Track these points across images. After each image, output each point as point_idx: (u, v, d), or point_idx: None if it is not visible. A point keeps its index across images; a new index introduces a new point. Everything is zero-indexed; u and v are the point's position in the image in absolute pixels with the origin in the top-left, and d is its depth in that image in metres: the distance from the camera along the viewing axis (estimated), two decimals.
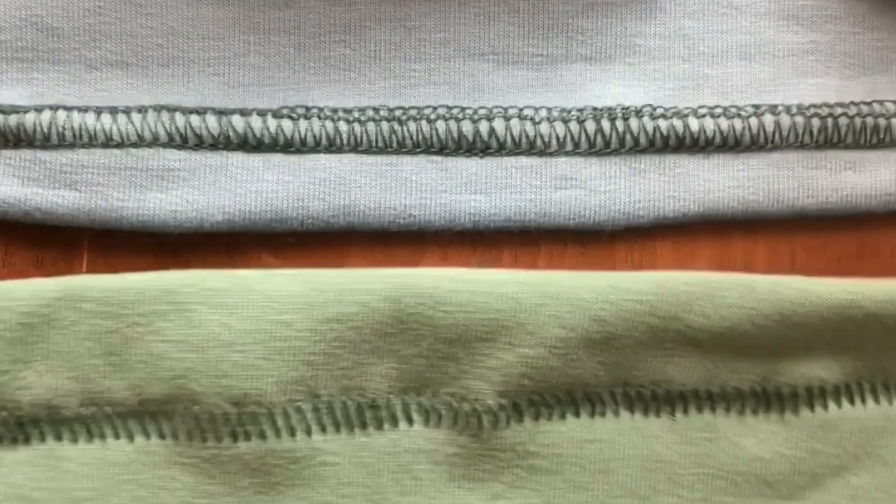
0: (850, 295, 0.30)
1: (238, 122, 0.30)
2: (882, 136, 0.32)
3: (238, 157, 0.31)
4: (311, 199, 0.31)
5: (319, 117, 0.31)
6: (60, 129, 0.30)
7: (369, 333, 0.29)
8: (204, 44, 0.31)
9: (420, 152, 0.31)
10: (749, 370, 0.30)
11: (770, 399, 0.30)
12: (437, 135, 0.31)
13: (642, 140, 0.31)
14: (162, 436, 0.28)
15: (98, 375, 0.28)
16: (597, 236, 0.32)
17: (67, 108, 0.30)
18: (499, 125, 0.31)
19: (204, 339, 0.28)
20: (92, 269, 0.30)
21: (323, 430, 0.29)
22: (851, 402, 0.31)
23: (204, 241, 0.31)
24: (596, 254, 0.32)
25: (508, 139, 0.31)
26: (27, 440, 0.28)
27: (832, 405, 0.31)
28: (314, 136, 0.31)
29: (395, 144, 0.31)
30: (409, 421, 0.29)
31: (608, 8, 0.32)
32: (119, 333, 0.28)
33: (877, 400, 0.31)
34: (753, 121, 0.32)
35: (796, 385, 0.30)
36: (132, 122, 0.30)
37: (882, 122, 0.32)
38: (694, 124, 0.32)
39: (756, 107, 0.32)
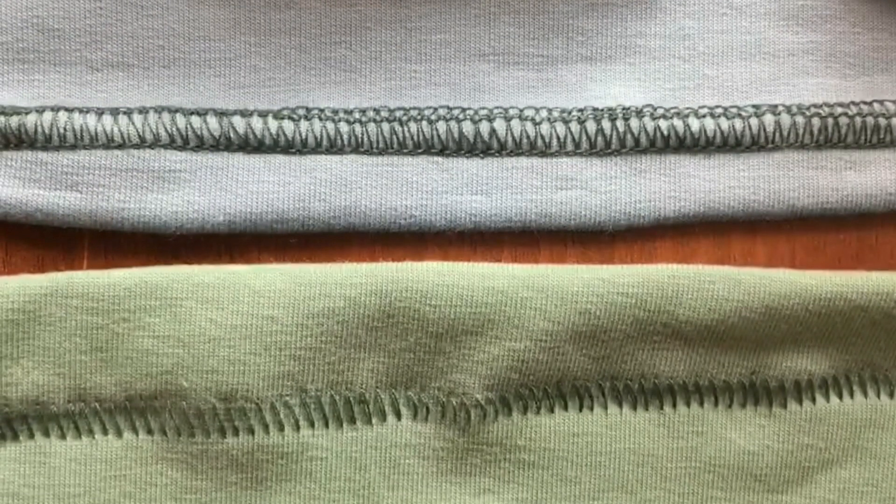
0: (837, 287, 0.30)
1: (239, 123, 0.30)
2: (882, 135, 0.32)
3: (239, 159, 0.31)
4: (312, 199, 0.31)
5: (320, 118, 0.31)
6: (62, 131, 0.30)
7: (357, 328, 0.29)
8: (205, 45, 0.31)
9: (421, 153, 0.31)
10: (737, 363, 0.30)
11: (758, 392, 0.30)
12: (438, 135, 0.31)
13: (643, 140, 0.31)
14: (150, 431, 0.28)
15: (86, 371, 0.28)
16: (597, 237, 0.32)
17: (69, 110, 0.30)
18: (499, 126, 0.31)
19: (192, 335, 0.28)
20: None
21: (311, 424, 0.29)
22: (839, 395, 0.31)
23: (205, 243, 0.31)
24: (596, 254, 0.32)
25: (509, 140, 0.31)
26: (15, 437, 0.28)
27: (820, 398, 0.31)
28: (315, 137, 0.31)
29: (395, 145, 0.31)
30: (397, 415, 0.29)
31: (608, 8, 0.32)
32: (106, 329, 0.28)
33: (864, 393, 0.31)
34: (754, 121, 0.32)
35: (784, 378, 0.30)
36: (133, 124, 0.30)
37: (882, 121, 0.32)
38: (694, 124, 0.32)
39: (756, 107, 0.32)
